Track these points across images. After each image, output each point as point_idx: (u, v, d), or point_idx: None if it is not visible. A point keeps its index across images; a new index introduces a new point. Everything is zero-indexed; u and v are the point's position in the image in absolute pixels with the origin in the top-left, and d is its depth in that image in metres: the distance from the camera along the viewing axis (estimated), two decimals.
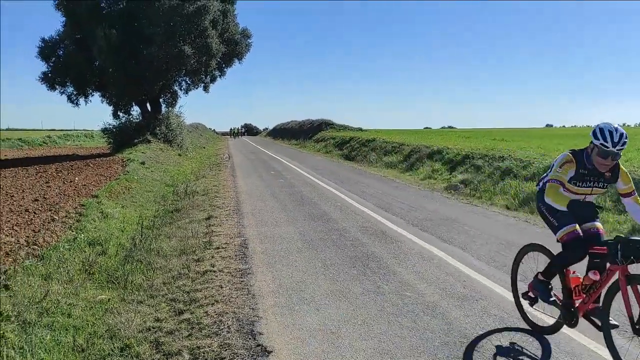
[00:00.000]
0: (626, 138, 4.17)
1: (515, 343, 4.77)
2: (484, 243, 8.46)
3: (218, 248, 8.22)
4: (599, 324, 4.26)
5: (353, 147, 32.45)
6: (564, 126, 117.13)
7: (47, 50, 29.20)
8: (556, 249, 4.88)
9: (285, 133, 67.68)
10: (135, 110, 32.83)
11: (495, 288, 6.15)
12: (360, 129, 52.66)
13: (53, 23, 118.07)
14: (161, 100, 33.98)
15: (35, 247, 7.57)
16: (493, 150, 18.10)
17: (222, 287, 6.29)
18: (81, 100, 30.84)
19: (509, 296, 5.78)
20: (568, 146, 18.36)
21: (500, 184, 13.88)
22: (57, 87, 29.87)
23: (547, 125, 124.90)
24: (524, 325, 5.09)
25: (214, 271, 6.96)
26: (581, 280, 4.62)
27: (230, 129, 77.40)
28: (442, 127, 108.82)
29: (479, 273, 6.76)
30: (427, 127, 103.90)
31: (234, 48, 33.40)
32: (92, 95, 31.17)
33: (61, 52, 29.70)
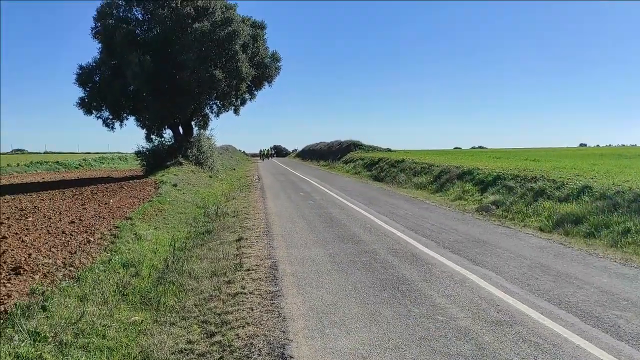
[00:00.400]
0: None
1: None
2: (517, 266, 8.29)
3: (248, 270, 8.27)
4: None
5: (382, 168, 32.37)
6: (598, 145, 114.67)
7: (84, 76, 30.17)
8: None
9: (314, 154, 68.07)
10: (168, 133, 33.54)
11: (530, 313, 6.01)
12: (389, 150, 52.57)
13: (89, 51, 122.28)
14: (193, 123, 34.64)
15: (72, 268, 7.75)
16: (525, 170, 17.82)
17: (252, 310, 6.32)
18: (116, 124, 31.70)
19: (545, 321, 5.66)
20: (603, 166, 17.97)
21: (533, 205, 13.62)
22: (94, 111, 30.78)
23: (580, 145, 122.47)
24: (561, 354, 4.95)
25: (245, 293, 7.01)
26: None
27: (260, 151, 77.22)
28: (473, 147, 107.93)
29: (512, 297, 6.63)
30: (457, 148, 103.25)
31: (264, 71, 33.92)
32: (127, 119, 32.00)
33: (97, 78, 30.66)
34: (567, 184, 13.87)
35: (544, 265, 8.35)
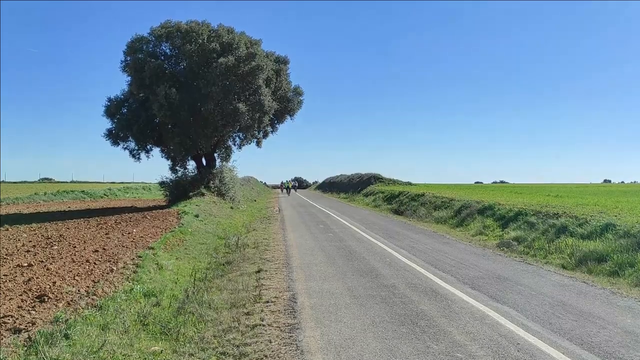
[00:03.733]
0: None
1: None
2: (539, 304, 8.18)
3: (267, 302, 8.32)
4: None
5: (402, 201, 32.30)
6: (622, 182, 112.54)
7: (112, 108, 31.10)
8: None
9: (334, 187, 68.27)
10: (191, 165, 34.15)
11: (551, 352, 5.92)
12: (410, 183, 52.51)
13: (117, 83, 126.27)
14: (216, 154, 35.22)
15: (95, 297, 7.89)
16: (547, 206, 17.64)
17: (271, 342, 6.35)
18: (142, 155, 32.43)
19: None
20: (627, 203, 17.68)
21: (556, 242, 13.45)
22: (120, 142, 31.59)
23: (605, 181, 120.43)
24: None
25: (264, 325, 7.04)
26: None
27: (282, 183, 74.35)
28: (494, 182, 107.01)
29: (533, 335, 6.54)
30: (478, 182, 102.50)
31: (286, 105, 34.52)
32: (152, 150, 32.72)
33: (125, 110, 31.56)
34: (590, 221, 13.69)
35: (566, 303, 8.23)
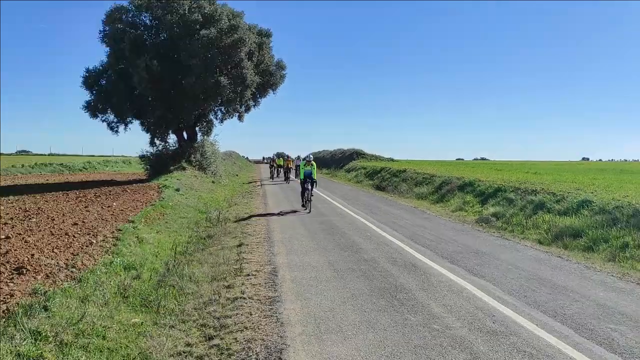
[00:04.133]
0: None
1: None
2: (515, 278, 8.36)
3: (248, 275, 8.36)
4: None
5: (384, 177, 32.47)
6: (600, 160, 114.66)
7: (90, 80, 30.42)
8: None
9: (317, 162, 68.26)
10: (172, 138, 33.74)
11: (525, 324, 6.07)
12: (392, 159, 52.77)
13: (96, 54, 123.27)
14: (197, 128, 34.83)
15: (74, 269, 7.84)
16: (526, 183, 17.89)
17: (251, 314, 6.40)
18: (121, 128, 31.90)
19: (541, 333, 5.73)
20: (604, 181, 18.01)
21: (533, 218, 13.69)
22: (99, 114, 31.00)
23: (583, 159, 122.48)
24: None
25: (244, 298, 7.09)
26: None
27: (271, 158, 44.54)
28: (475, 159, 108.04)
29: (509, 308, 6.69)
30: (459, 159, 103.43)
31: (269, 79, 34.16)
32: (132, 123, 32.20)
33: (104, 81, 30.89)
34: (567, 197, 13.94)
35: (541, 277, 8.42)
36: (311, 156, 18.04)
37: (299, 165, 35.13)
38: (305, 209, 17.11)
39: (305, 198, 17.33)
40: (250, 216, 15.76)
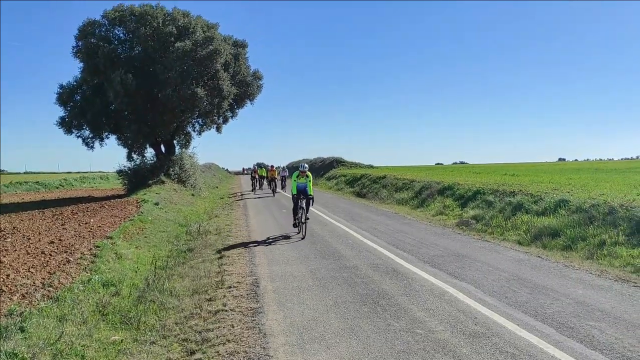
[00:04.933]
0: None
1: None
2: (495, 279, 8.43)
3: (230, 287, 8.28)
4: None
5: (364, 184, 32.58)
6: (576, 160, 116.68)
7: (64, 96, 30.03)
8: None
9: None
10: (150, 152, 33.43)
11: (507, 325, 6.12)
12: (371, 166, 53.03)
13: (70, 69, 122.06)
14: (175, 141, 34.59)
15: (51, 288, 7.69)
16: (504, 185, 18.11)
17: (233, 327, 6.33)
18: (96, 143, 31.49)
19: (522, 333, 5.78)
20: (580, 180, 18.31)
21: (512, 219, 13.84)
22: (74, 130, 30.59)
23: (559, 159, 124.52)
24: None
25: (226, 310, 7.01)
26: None
27: (252, 169, 40.04)
28: (454, 163, 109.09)
29: (490, 309, 6.73)
30: (438, 163, 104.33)
31: (246, 89, 34.11)
32: (108, 138, 31.83)
33: (78, 97, 30.53)
34: (544, 198, 14.13)
35: (521, 278, 8.50)
36: (306, 166, 14.54)
37: (284, 176, 35.46)
38: (298, 232, 13.95)
39: (299, 219, 13.90)
40: (231, 228, 15.61)
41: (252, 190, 34.84)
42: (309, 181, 14.07)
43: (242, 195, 32.66)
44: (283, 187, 35.04)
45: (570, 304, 6.93)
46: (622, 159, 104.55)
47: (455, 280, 8.42)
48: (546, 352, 5.26)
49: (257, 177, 36.38)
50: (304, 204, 13.78)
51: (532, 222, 12.92)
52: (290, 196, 14.52)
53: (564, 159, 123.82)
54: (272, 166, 33.36)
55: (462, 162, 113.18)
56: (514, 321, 6.23)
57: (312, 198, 13.96)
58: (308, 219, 13.79)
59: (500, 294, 7.53)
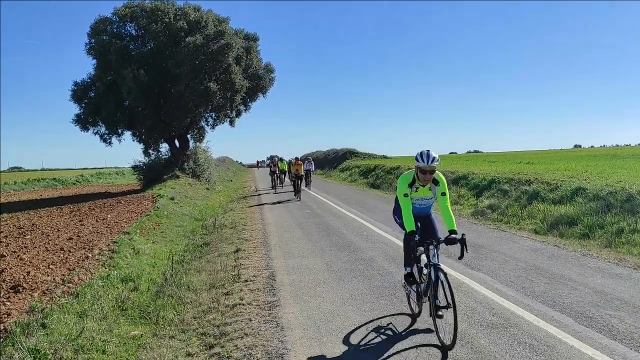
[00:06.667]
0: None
1: None
2: (512, 269, 8.37)
3: (246, 281, 8.33)
4: None
5: (378, 175, 32.50)
6: (592, 146, 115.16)
7: (79, 93, 30.35)
8: None
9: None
10: (164, 147, 33.69)
11: (525, 315, 6.08)
12: (385, 157, 52.84)
13: (85, 66, 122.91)
14: (189, 136, 34.80)
15: (71, 285, 7.80)
16: (519, 173, 17.94)
17: (251, 320, 6.38)
18: (114, 139, 31.84)
19: (541, 324, 5.74)
20: (596, 167, 18.07)
21: (528, 208, 13.72)
22: (90, 127, 30.93)
23: (575, 146, 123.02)
24: (556, 355, 5.02)
25: (243, 304, 7.07)
26: None
27: (270, 162, 35.45)
28: (468, 152, 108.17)
29: (508, 300, 6.70)
30: (452, 152, 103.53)
31: (258, 83, 34.17)
32: (124, 134, 32.16)
33: (92, 94, 30.83)
34: (560, 186, 13.98)
35: (538, 267, 8.44)
36: (435, 156, 6.11)
37: (309, 170, 28.07)
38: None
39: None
40: (247, 221, 15.66)
41: (272, 188, 29.30)
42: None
43: (258, 193, 27.77)
44: (308, 185, 28.56)
45: (589, 293, 6.87)
46: (639, 144, 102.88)
47: (472, 270, 8.38)
48: (565, 342, 5.23)
49: (277, 171, 30.04)
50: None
51: (548, 210, 12.79)
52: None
53: (580, 146, 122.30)
54: (296, 158, 25.29)
55: (476, 151, 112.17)
56: (531, 311, 6.19)
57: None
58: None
59: (517, 284, 7.48)
